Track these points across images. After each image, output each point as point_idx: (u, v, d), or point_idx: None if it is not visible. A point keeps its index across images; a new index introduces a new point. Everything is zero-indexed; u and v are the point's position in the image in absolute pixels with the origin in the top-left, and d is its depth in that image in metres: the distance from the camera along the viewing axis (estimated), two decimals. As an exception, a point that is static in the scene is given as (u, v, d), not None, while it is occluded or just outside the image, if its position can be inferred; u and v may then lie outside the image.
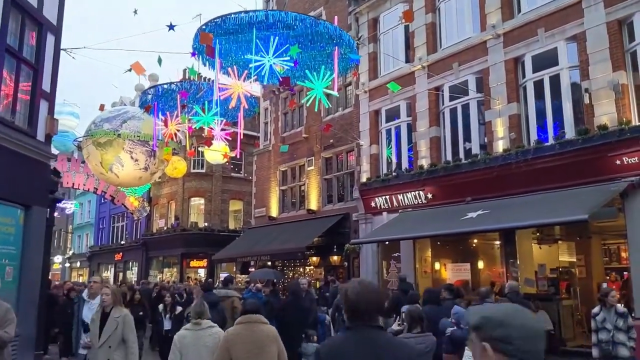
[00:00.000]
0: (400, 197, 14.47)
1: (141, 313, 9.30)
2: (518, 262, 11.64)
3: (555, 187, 10.62)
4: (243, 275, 22.50)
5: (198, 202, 27.72)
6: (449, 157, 13.52)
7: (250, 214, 22.91)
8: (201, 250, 25.84)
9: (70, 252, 42.03)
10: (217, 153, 14.87)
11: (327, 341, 3.09)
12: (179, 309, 9.63)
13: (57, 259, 42.21)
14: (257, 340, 4.12)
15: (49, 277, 12.09)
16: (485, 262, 15.00)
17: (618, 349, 6.28)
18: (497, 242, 14.19)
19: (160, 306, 10.37)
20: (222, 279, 10.66)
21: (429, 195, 13.64)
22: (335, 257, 17.05)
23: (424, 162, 13.99)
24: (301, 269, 19.55)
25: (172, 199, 28.18)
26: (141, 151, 15.42)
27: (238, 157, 20.46)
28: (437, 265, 14.19)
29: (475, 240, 14.47)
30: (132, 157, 15.37)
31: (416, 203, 14.01)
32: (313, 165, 18.86)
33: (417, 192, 13.93)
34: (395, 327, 5.39)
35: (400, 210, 14.35)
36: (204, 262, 26.15)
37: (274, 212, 20.66)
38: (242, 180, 27.40)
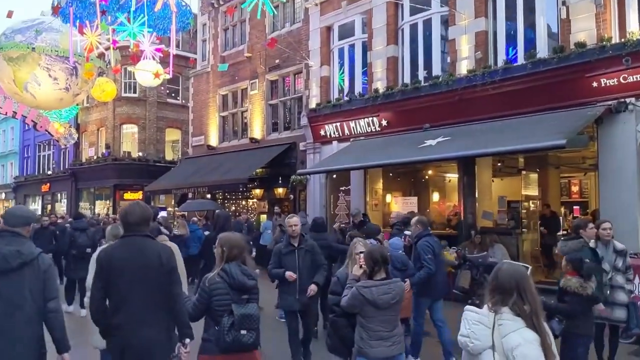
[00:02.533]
0: (352, 124, 13.17)
1: None
2: (477, 195, 10.78)
3: (525, 111, 9.59)
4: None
5: (131, 130, 25.35)
6: (407, 80, 12.21)
7: (189, 144, 21.04)
8: (136, 181, 23.90)
9: (-7, 183, 38.73)
10: (147, 73, 12.95)
11: (106, 247, 3.74)
12: None
13: (-20, 190, 39.04)
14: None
15: None
16: (440, 195, 14.25)
17: (616, 294, 5.32)
18: (452, 175, 13.37)
19: None
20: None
21: (384, 122, 12.40)
22: (280, 190, 15.79)
23: (380, 86, 12.63)
24: (243, 202, 18.25)
25: (102, 125, 25.66)
26: (60, 68, 13.12)
27: (171, 76, 18.25)
28: (388, 198, 13.22)
29: (430, 172, 13.58)
30: (50, 75, 13.07)
31: (369, 131, 12.76)
32: (257, 88, 17.10)
33: (370, 119, 12.65)
34: (355, 270, 4.19)
35: (351, 139, 13.10)
36: (139, 195, 24.24)
37: (214, 140, 18.95)
38: (180, 107, 25.17)
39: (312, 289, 5.63)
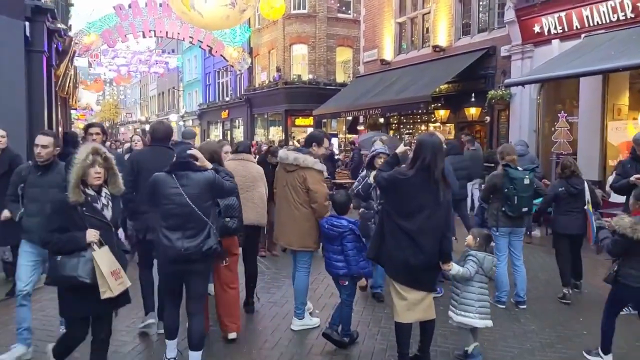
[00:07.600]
0: (585, 12, 9.29)
1: None
2: None
3: None
4: (351, 135, 18.99)
5: (301, 52, 23.82)
6: None
7: (360, 61, 18.60)
8: (306, 106, 22.55)
9: (183, 111, 41.57)
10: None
11: (136, 152, 5.19)
12: None
13: (173, 117, 42.42)
14: (249, 174, 4.85)
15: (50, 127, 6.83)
16: None
17: None
18: None
19: None
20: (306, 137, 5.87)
21: (642, 4, 8.32)
22: (472, 110, 12.59)
23: (638, -53, 8.43)
24: (423, 127, 15.42)
25: (272, 47, 24.61)
26: (225, -18, 11.68)
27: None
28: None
29: None
30: (215, -10, 11.80)
31: (614, 20, 8.83)
32: (443, -17, 13.66)
33: (619, 1, 8.62)
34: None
35: (584, 35, 9.27)
36: (310, 121, 22.97)
37: (389, 54, 16.17)
38: (351, 22, 22.80)
39: None
